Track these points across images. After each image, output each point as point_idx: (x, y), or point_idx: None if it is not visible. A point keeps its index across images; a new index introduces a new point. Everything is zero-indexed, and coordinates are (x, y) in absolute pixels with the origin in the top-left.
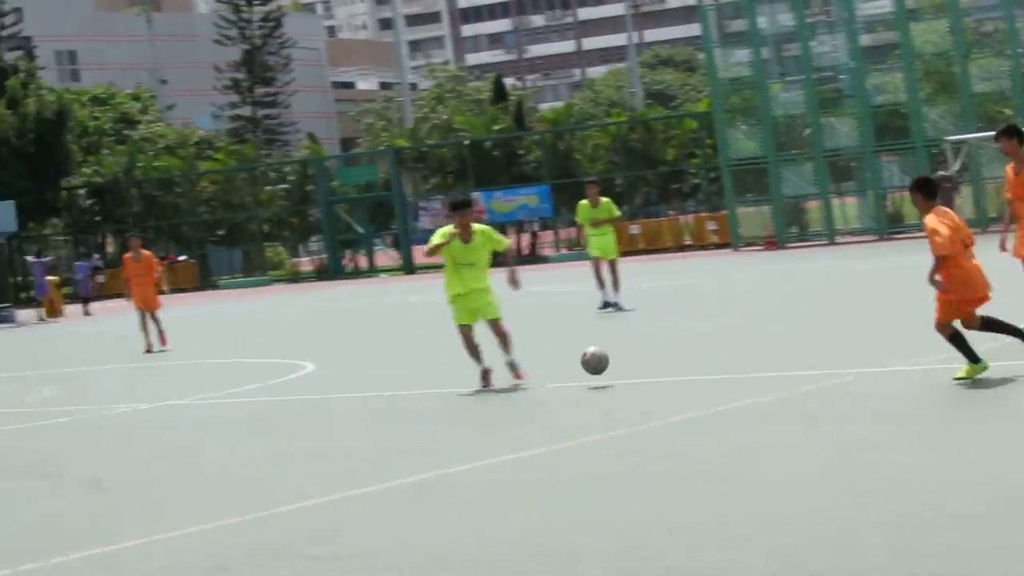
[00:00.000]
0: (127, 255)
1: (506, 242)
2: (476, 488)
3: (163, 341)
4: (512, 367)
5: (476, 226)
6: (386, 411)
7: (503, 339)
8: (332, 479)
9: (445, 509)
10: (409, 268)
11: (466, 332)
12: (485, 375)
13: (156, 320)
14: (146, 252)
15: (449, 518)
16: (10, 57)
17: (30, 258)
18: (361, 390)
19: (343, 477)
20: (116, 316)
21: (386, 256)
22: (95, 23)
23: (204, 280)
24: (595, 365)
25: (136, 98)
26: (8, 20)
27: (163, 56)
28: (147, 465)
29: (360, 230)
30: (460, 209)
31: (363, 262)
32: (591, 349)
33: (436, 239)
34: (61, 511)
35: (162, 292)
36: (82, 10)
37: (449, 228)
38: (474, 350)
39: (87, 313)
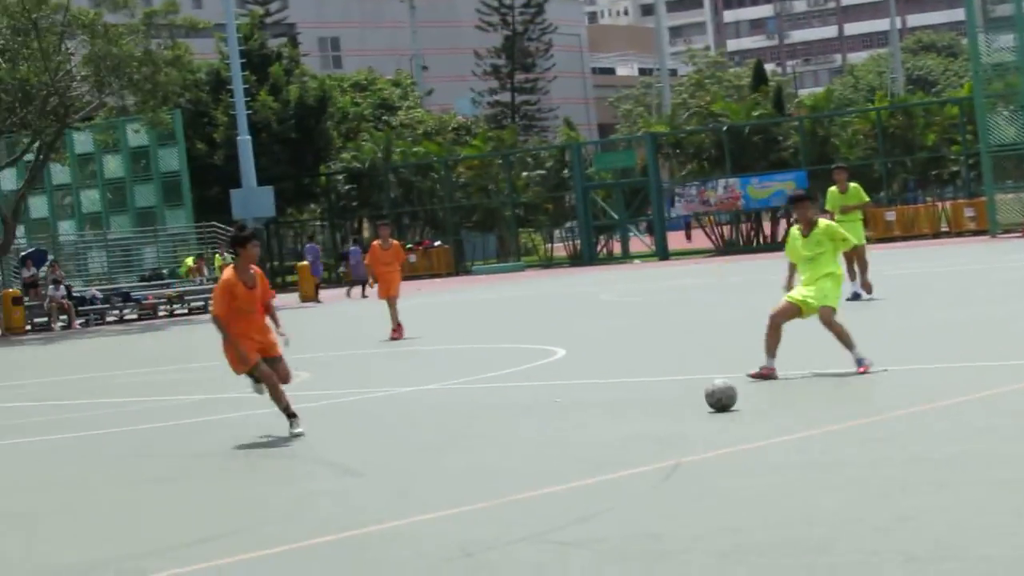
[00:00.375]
0: (375, 243)
1: (851, 242)
2: (727, 474)
3: (399, 334)
4: (858, 362)
5: (821, 221)
6: (637, 398)
7: (838, 337)
8: (583, 465)
9: (695, 495)
10: (663, 254)
11: (779, 312)
12: (763, 373)
13: (394, 310)
14: (395, 241)
15: (699, 504)
16: (274, 44)
17: (310, 246)
18: (612, 376)
19: (594, 463)
20: (372, 301)
21: (640, 242)
22: (358, 9)
23: (458, 265)
24: (719, 399)
25: (396, 84)
26: (273, 7)
27: (425, 42)
28: (400, 449)
29: (615, 216)
30: (797, 203)
31: (617, 248)
32: (718, 382)
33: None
34: (313, 494)
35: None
36: None
37: (794, 229)
38: (774, 335)
39: (349, 296)
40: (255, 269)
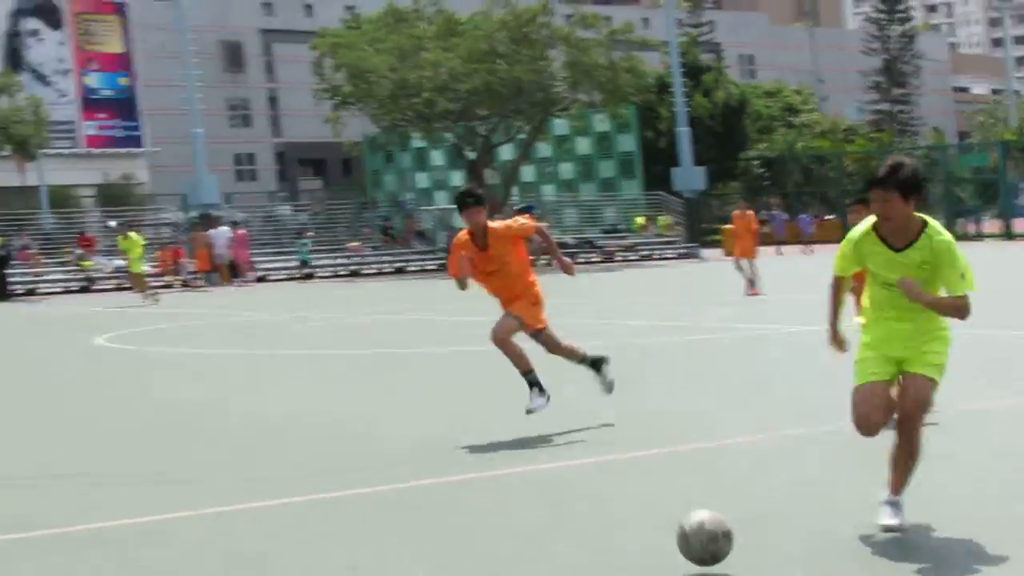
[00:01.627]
0: (736, 213)
1: None
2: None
3: (753, 291)
4: None
5: None
6: (971, 347)
7: None
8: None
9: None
10: (1008, 235)
11: None
12: None
13: (753, 269)
14: (749, 212)
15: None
16: (705, 58)
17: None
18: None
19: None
20: (773, 259)
21: (990, 225)
22: (770, 34)
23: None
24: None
25: (799, 93)
26: (704, 30)
27: (821, 61)
28: (758, 371)
29: (969, 204)
30: None
31: (970, 228)
32: (701, 514)
33: None
34: (674, 408)
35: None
36: (760, 23)
37: None
38: None
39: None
40: (494, 226)
